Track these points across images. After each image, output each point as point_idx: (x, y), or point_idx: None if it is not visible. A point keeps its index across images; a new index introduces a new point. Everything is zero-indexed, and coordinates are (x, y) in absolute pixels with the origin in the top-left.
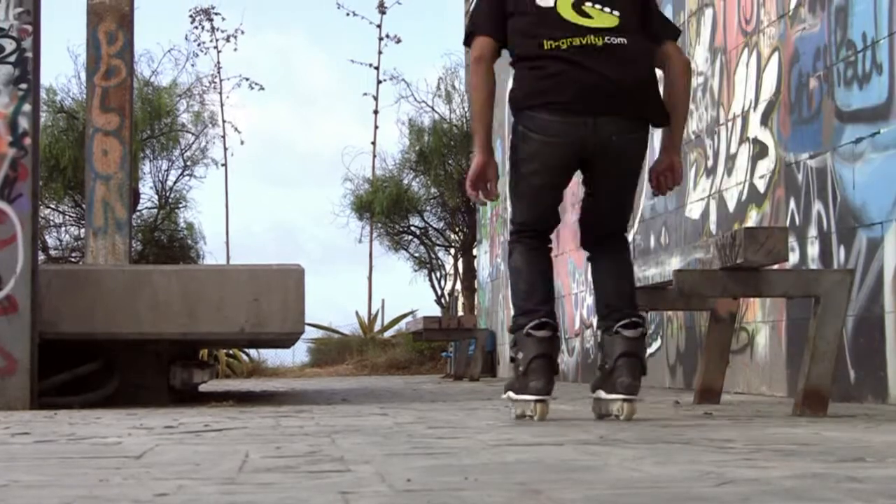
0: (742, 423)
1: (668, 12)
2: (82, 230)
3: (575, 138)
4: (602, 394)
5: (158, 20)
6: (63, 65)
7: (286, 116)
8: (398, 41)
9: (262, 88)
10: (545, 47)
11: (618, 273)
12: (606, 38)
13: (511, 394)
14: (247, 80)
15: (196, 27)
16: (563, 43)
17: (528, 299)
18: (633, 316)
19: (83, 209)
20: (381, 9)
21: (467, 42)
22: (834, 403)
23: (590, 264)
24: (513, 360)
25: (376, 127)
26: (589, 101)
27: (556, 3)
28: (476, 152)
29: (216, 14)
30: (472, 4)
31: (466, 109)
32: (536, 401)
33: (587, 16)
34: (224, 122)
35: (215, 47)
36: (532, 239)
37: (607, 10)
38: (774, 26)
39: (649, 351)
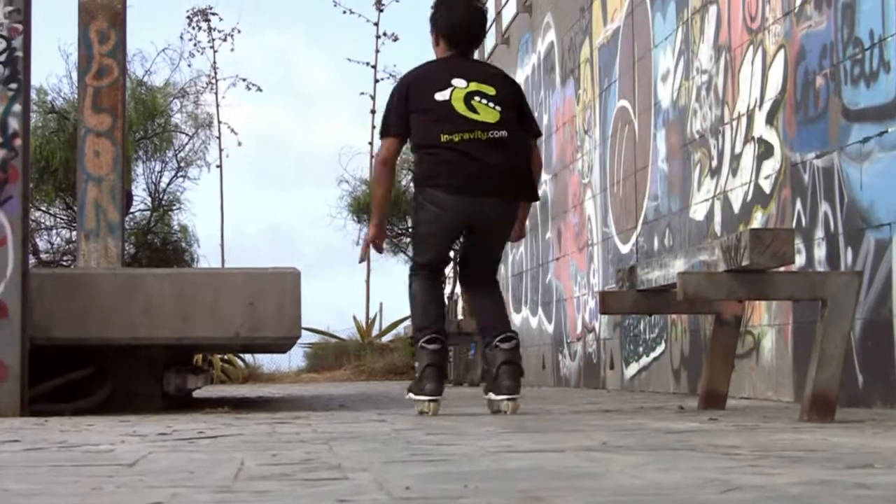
0: (748, 429)
1: (671, 10)
2: (74, 233)
3: (463, 212)
4: (492, 396)
5: (152, 19)
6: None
7: (282, 116)
8: (395, 39)
9: (259, 90)
10: (442, 139)
11: (492, 301)
12: (490, 132)
13: (411, 395)
14: (244, 80)
15: (193, 27)
16: (455, 137)
17: (423, 319)
18: (508, 331)
19: (74, 211)
20: (379, 6)
21: (382, 137)
22: (841, 408)
23: (469, 296)
24: (413, 367)
25: (374, 127)
26: (476, 186)
27: (451, 97)
28: (371, 227)
29: (213, 14)
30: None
31: None
32: (429, 400)
33: (475, 111)
34: (220, 122)
35: (211, 47)
36: (428, 273)
37: (491, 105)
38: (780, 23)
39: (653, 355)
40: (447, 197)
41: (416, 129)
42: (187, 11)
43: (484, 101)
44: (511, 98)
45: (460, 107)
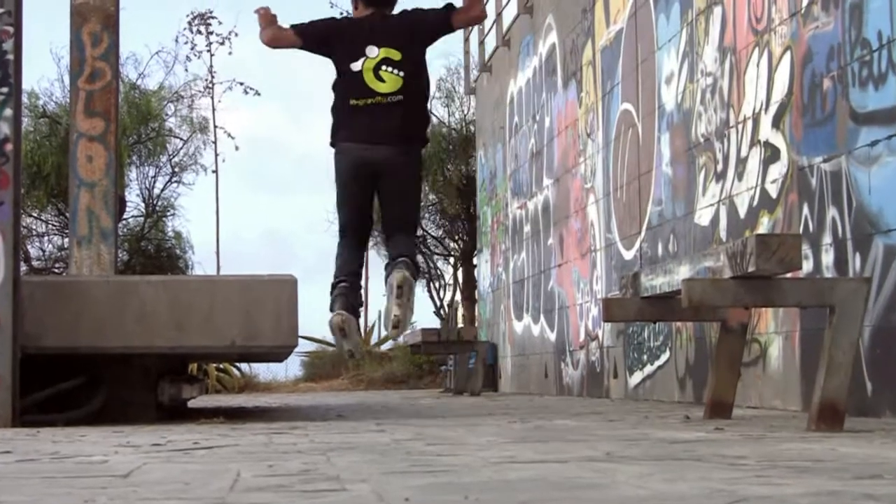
0: (754, 439)
1: (675, 11)
2: (66, 240)
3: (360, 157)
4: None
5: (145, 21)
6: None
7: (278, 119)
8: None
9: (257, 94)
10: (350, 103)
11: (405, 245)
12: (390, 97)
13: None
14: (241, 84)
15: (192, 31)
16: (360, 101)
17: (337, 273)
18: (410, 257)
19: (67, 218)
20: None
21: (291, 25)
22: (850, 418)
23: (388, 245)
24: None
25: None
26: (372, 136)
27: (363, 68)
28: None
29: (212, 18)
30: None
31: (466, 112)
32: (336, 314)
33: (381, 80)
34: (216, 127)
35: (208, 50)
36: (347, 239)
37: (396, 72)
38: (786, 24)
39: (657, 363)
40: (346, 145)
41: (334, 90)
42: (187, 16)
43: (390, 68)
44: (413, 44)
45: (369, 77)
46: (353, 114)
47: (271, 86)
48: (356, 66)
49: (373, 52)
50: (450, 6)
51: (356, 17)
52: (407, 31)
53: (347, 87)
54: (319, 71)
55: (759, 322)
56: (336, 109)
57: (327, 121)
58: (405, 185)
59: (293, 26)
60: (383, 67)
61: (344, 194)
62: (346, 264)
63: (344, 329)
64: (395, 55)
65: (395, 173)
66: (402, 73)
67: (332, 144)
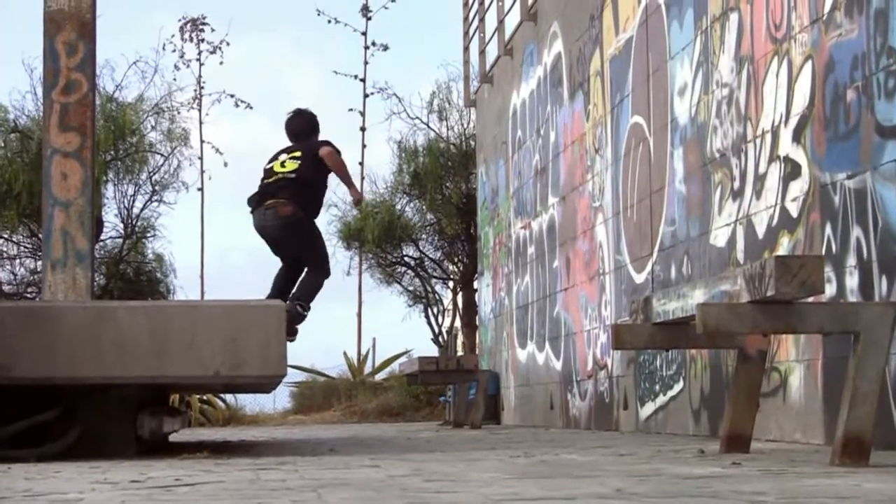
0: (774, 474)
1: (688, 18)
2: (39, 263)
3: (258, 223)
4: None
5: (122, 29)
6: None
7: (266, 133)
8: (385, 48)
9: (249, 107)
10: (265, 182)
11: (302, 282)
12: (282, 177)
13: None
14: (231, 96)
15: (183, 38)
16: (266, 181)
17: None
18: (301, 302)
19: (39, 239)
20: (365, 13)
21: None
22: (876, 451)
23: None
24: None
25: (364, 146)
26: (261, 203)
27: (272, 165)
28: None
29: (205, 24)
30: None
31: (465, 126)
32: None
33: (284, 166)
34: (203, 141)
35: (198, 59)
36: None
37: (294, 161)
38: (807, 32)
39: (670, 393)
40: (254, 213)
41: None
42: (179, 20)
43: (291, 159)
44: (307, 152)
45: (276, 166)
46: (260, 190)
47: (260, 97)
48: (270, 164)
49: (282, 156)
50: (325, 144)
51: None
52: (307, 149)
53: (264, 175)
54: (311, 84)
55: (779, 349)
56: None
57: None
58: (290, 239)
59: None
60: (286, 158)
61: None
62: (275, 290)
63: None
64: (297, 154)
65: (276, 233)
66: (298, 163)
67: (315, 217)
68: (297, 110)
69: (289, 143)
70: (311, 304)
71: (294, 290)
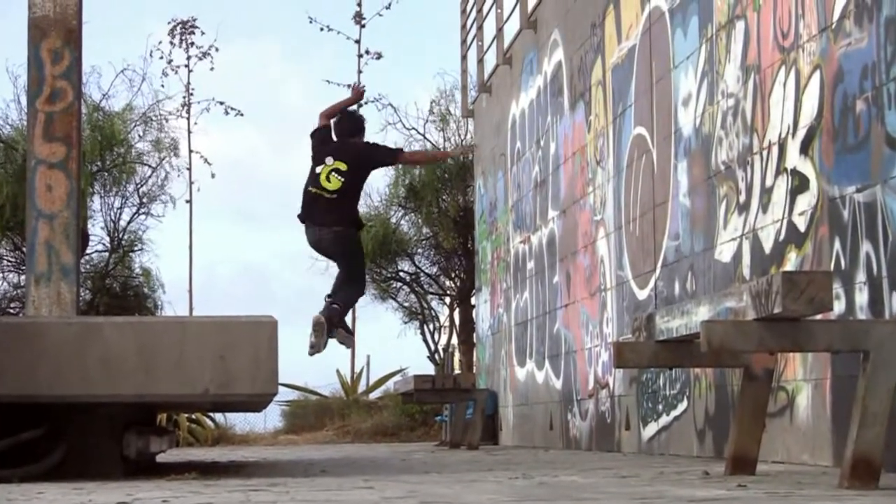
0: (781, 497)
1: (693, 26)
2: (22, 277)
3: (313, 239)
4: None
5: (110, 35)
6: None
7: (257, 144)
8: (378, 57)
9: (240, 114)
10: (311, 191)
11: (344, 290)
12: (328, 195)
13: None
14: (221, 103)
15: (172, 42)
16: (312, 189)
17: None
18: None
19: (23, 253)
20: (359, 20)
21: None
22: (886, 474)
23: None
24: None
25: None
26: (313, 218)
27: (320, 172)
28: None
29: (195, 28)
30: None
31: (463, 137)
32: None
33: (329, 181)
34: (191, 151)
35: (186, 65)
36: None
37: (339, 178)
38: (815, 41)
39: (674, 413)
40: (306, 227)
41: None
42: (169, 23)
43: (336, 175)
44: (357, 161)
45: (323, 178)
46: (305, 198)
47: (249, 106)
48: (318, 168)
49: (329, 161)
50: (399, 150)
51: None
52: (357, 154)
53: (310, 181)
54: (303, 93)
55: (786, 368)
56: (303, 194)
57: (307, 147)
58: (340, 256)
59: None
60: (332, 174)
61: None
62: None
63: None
64: (342, 167)
65: (329, 247)
66: (342, 180)
67: (359, 230)
68: (347, 112)
69: (335, 140)
70: (345, 308)
71: (334, 290)
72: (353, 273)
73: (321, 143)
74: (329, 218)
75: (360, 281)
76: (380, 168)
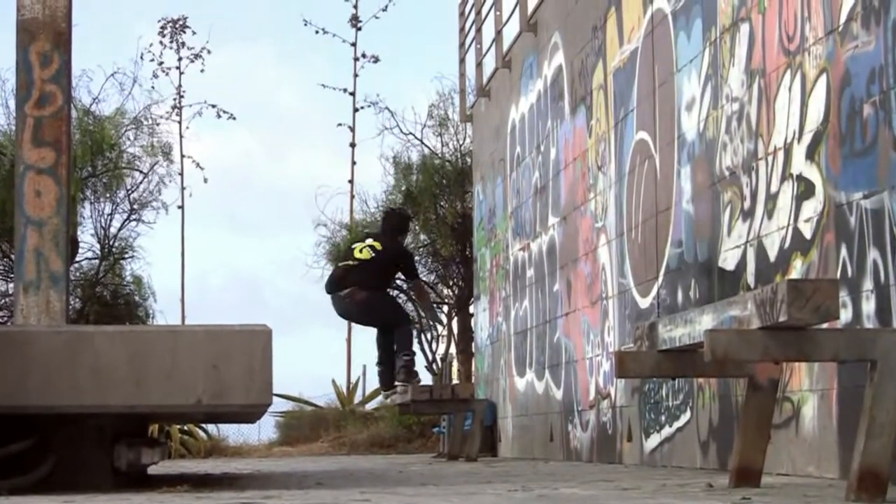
0: None
1: (696, 28)
2: (10, 285)
3: (341, 310)
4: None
5: (100, 38)
6: None
7: (250, 150)
8: (375, 60)
9: (232, 117)
10: (340, 266)
11: (398, 338)
12: (355, 263)
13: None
14: (213, 106)
15: (163, 42)
16: (343, 265)
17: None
18: (405, 351)
19: (11, 260)
20: (355, 23)
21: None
22: (894, 486)
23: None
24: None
25: (354, 162)
26: (338, 290)
27: (355, 247)
28: None
29: (186, 27)
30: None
31: (462, 142)
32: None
33: (362, 252)
34: (183, 156)
35: (178, 67)
36: None
37: (371, 252)
38: (821, 44)
39: (677, 424)
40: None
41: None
42: (159, 21)
43: (368, 249)
44: (392, 250)
45: (356, 251)
46: (338, 271)
47: (243, 110)
48: (356, 246)
49: (368, 240)
50: (418, 276)
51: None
52: (393, 252)
53: (345, 256)
54: (297, 97)
55: (792, 378)
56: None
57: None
58: (368, 311)
59: None
60: (365, 248)
61: None
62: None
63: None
64: (378, 246)
65: (360, 308)
66: (373, 254)
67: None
68: (393, 209)
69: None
70: (413, 349)
71: (395, 347)
72: (395, 320)
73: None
74: (354, 283)
75: (404, 323)
76: (398, 273)
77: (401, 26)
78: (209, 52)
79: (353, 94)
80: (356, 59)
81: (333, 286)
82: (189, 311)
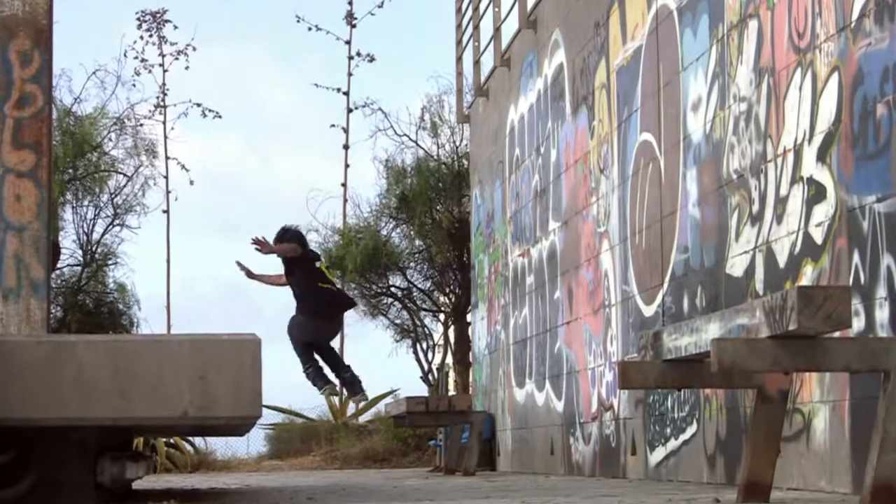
0: None
1: (703, 25)
2: None
3: (333, 330)
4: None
5: (82, 36)
6: None
7: (238, 152)
8: (371, 60)
9: (218, 116)
10: (324, 288)
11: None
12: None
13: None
14: (198, 105)
15: (141, 37)
16: (327, 287)
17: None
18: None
19: None
20: (350, 20)
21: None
22: None
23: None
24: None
25: (347, 165)
26: (337, 310)
27: (320, 266)
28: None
29: (167, 21)
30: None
31: (457, 144)
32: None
33: (329, 273)
34: (168, 158)
35: (161, 65)
36: None
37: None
38: (833, 41)
39: (683, 437)
40: None
41: None
42: (137, 13)
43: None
44: None
45: (326, 273)
46: None
47: (231, 110)
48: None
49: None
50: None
51: None
52: None
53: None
54: (289, 97)
55: (802, 389)
56: None
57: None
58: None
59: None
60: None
61: None
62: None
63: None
64: None
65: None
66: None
67: None
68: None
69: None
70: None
71: (334, 364)
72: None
73: (303, 247)
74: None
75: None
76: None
77: (396, 24)
78: (194, 48)
79: (346, 93)
80: (350, 58)
81: (336, 308)
82: (175, 320)
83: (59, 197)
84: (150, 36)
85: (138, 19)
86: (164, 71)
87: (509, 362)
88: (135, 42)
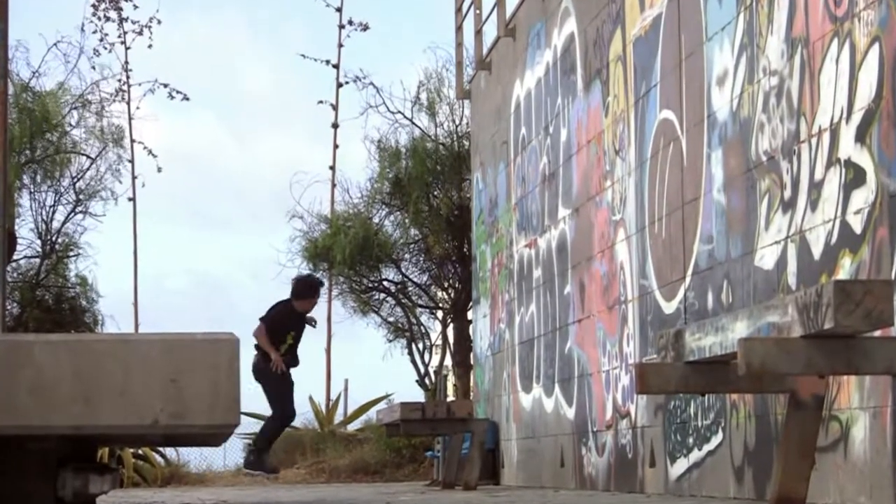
0: None
1: None
2: None
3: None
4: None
5: (40, 4)
6: None
7: (214, 132)
8: (365, 28)
9: (186, 98)
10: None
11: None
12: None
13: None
14: (165, 86)
15: (94, 14)
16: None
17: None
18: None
19: None
20: None
21: None
22: None
23: None
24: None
25: (336, 146)
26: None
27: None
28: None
29: (126, 1)
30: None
31: (457, 123)
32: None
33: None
34: (133, 141)
35: (122, 42)
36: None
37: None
38: (873, 9)
39: (707, 447)
40: None
41: None
42: None
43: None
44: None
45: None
46: None
47: (204, 90)
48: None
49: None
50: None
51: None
52: None
53: None
54: (271, 72)
55: (839, 394)
56: None
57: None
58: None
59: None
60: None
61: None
62: None
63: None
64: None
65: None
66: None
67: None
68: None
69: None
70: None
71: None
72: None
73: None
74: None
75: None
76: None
77: None
78: (159, 21)
79: (336, 66)
80: (342, 27)
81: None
82: (143, 318)
83: (14, 181)
84: (108, 19)
85: (93, 5)
86: (127, 48)
87: (514, 364)
88: (94, 14)
